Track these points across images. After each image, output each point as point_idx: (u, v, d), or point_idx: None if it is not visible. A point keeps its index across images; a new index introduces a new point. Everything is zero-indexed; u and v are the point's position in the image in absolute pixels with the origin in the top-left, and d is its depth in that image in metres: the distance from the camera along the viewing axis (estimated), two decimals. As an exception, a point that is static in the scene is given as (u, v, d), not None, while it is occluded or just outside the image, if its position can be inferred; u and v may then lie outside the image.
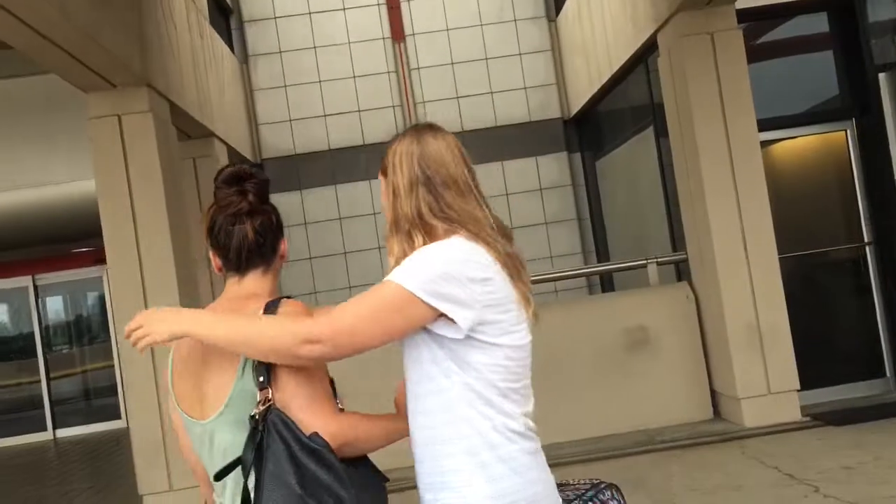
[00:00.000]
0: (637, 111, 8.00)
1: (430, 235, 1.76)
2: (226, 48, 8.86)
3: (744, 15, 5.96)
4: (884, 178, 6.43)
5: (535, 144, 9.86)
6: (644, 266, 6.61)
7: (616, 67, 7.70)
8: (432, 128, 1.86)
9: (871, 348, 6.52)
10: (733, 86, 5.80)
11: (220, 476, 1.74)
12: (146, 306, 5.50)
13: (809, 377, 5.90)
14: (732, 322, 5.77)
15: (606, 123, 9.40)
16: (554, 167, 9.91)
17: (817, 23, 6.74)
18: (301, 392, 1.70)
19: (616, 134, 8.92)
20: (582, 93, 9.18)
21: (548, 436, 6.73)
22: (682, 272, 6.78)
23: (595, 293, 9.58)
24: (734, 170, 5.79)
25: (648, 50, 6.86)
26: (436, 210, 1.77)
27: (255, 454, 1.66)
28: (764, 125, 6.01)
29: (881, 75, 6.42)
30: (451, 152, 1.82)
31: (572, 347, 6.18)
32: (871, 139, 6.49)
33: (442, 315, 1.69)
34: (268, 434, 1.66)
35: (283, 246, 1.93)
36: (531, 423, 1.85)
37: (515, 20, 9.93)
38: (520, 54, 9.90)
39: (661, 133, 6.98)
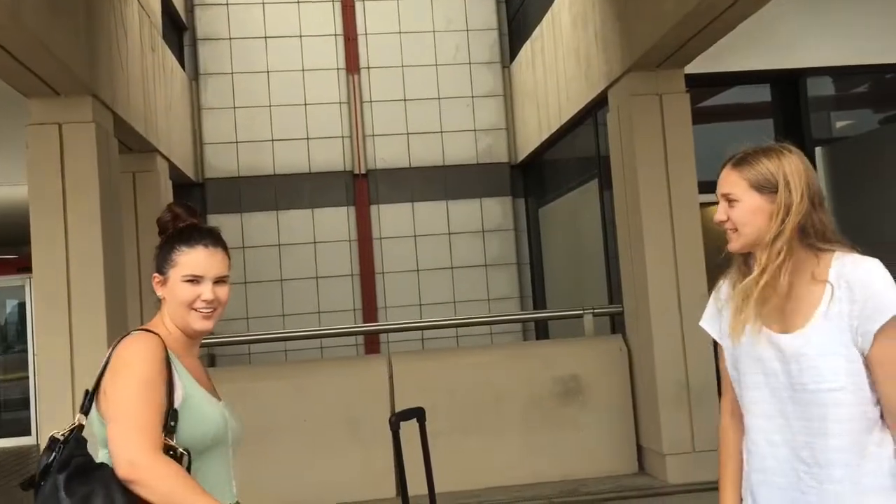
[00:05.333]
0: (583, 163, 8.14)
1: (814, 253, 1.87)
2: (177, 64, 8.73)
3: (691, 80, 6.14)
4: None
5: (481, 187, 9.94)
6: (580, 316, 6.67)
7: (566, 118, 7.84)
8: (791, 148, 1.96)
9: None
10: (678, 146, 5.95)
11: None
12: (70, 319, 5.35)
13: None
14: (663, 378, 5.85)
15: (552, 172, 9.53)
16: (498, 211, 9.99)
17: (761, 93, 6.98)
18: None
19: (561, 183, 9.06)
20: (530, 140, 9.31)
21: (477, 480, 6.66)
22: (616, 324, 6.86)
23: (529, 339, 9.63)
24: (674, 227, 5.91)
25: (598, 105, 7.01)
26: (822, 228, 1.87)
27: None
28: (702, 187, 6.17)
29: (817, 149, 6.67)
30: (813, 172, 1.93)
31: (504, 392, 6.18)
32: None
33: None
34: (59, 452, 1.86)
35: (154, 281, 2.07)
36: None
37: (470, 63, 10.05)
38: (472, 97, 10.01)
39: (606, 186, 7.11)
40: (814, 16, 6.60)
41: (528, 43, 9.08)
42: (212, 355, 8.55)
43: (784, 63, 6.62)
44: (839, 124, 7.09)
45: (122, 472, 1.77)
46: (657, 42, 5.38)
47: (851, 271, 1.84)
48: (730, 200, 1.93)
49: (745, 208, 1.90)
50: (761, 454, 1.95)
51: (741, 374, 1.99)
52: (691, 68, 6.05)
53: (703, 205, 6.31)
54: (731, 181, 1.93)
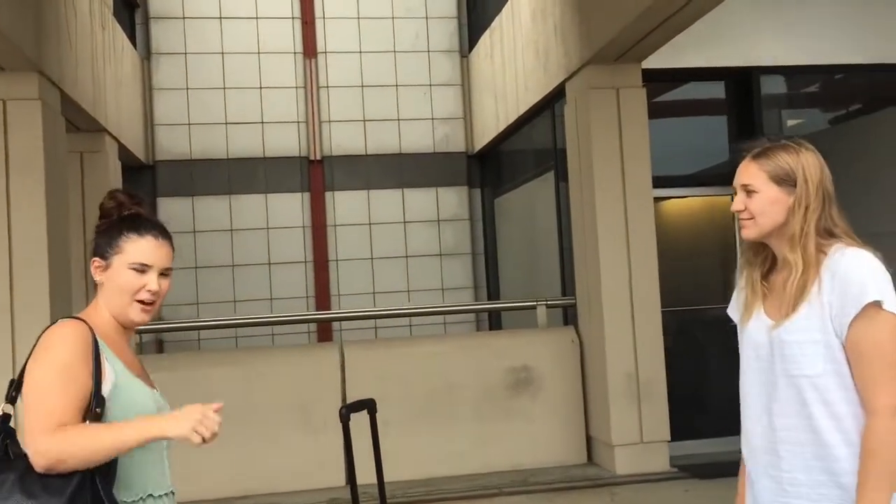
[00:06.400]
0: (539, 154, 8.16)
1: (818, 249, 1.94)
2: (128, 42, 8.52)
3: (648, 74, 6.18)
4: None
5: (438, 176, 9.91)
6: (534, 307, 6.70)
7: (523, 110, 7.84)
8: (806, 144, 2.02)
9: (738, 405, 6.77)
10: (633, 140, 6.00)
11: None
12: (12, 301, 5.19)
13: (679, 429, 6.08)
14: (613, 370, 5.91)
15: (508, 162, 9.54)
16: (454, 200, 9.97)
17: (715, 89, 7.07)
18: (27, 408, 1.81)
19: (517, 174, 9.07)
20: (487, 130, 9.30)
21: (427, 470, 6.67)
22: (569, 316, 6.90)
23: (483, 329, 9.65)
24: (627, 222, 5.96)
25: (556, 97, 7.02)
26: (830, 225, 1.95)
27: None
28: (657, 182, 6.22)
29: (768, 147, 6.76)
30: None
31: (457, 382, 6.18)
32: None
33: None
34: None
35: (93, 265, 2.00)
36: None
37: (429, 51, 9.99)
38: (430, 85, 9.96)
39: (562, 178, 7.13)
40: (768, 15, 6.69)
41: (486, 33, 9.05)
42: (160, 341, 8.40)
43: (738, 61, 6.70)
44: (790, 122, 7.21)
45: (37, 465, 1.73)
46: (616, 36, 5.40)
47: (837, 262, 1.92)
48: (748, 191, 2.02)
49: (763, 199, 1.99)
50: (749, 432, 2.12)
51: (742, 357, 2.12)
52: (648, 63, 6.09)
53: (657, 199, 6.37)
54: (751, 172, 2.02)
